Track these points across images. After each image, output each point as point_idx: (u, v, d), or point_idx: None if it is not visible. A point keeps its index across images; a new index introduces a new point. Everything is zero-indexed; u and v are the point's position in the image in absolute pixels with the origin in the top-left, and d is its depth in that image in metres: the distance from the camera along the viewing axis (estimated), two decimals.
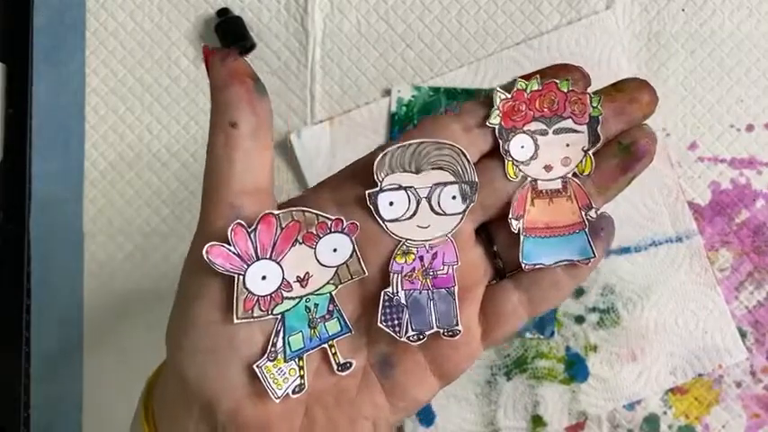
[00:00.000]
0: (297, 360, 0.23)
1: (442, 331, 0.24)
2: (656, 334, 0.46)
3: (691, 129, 0.47)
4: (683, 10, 0.48)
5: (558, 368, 0.46)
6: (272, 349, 0.22)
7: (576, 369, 0.46)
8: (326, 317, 0.23)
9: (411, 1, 0.49)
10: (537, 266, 0.25)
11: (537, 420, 0.46)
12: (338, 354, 0.24)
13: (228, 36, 0.48)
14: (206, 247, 0.21)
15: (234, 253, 0.21)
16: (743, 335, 0.46)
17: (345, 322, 0.23)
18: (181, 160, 0.49)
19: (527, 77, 0.25)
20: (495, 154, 0.25)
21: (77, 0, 0.50)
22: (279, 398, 0.22)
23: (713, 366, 0.46)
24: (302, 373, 0.23)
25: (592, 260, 0.25)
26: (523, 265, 0.25)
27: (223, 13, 0.48)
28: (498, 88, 0.24)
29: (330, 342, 0.23)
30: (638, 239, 0.47)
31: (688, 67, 0.47)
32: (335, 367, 0.24)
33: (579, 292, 0.47)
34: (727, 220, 0.47)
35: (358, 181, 0.24)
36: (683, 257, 0.46)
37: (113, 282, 0.49)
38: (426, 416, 0.47)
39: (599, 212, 0.25)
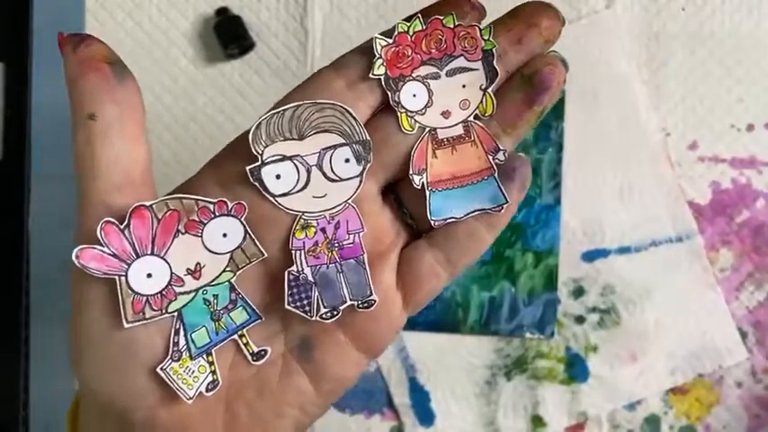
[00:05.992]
0: (205, 356, 0.22)
1: (356, 304, 0.23)
2: (657, 334, 0.46)
3: (691, 128, 0.47)
4: (682, 10, 0.48)
5: (558, 368, 0.46)
6: (175, 349, 0.21)
7: (576, 369, 0.46)
8: (230, 307, 0.22)
9: (411, 1, 0.49)
10: (448, 221, 0.23)
11: (537, 421, 0.46)
12: (251, 343, 0.22)
13: (227, 35, 0.48)
14: (75, 251, 0.19)
15: (109, 254, 0.20)
16: (743, 335, 0.46)
17: (252, 309, 0.22)
18: (179, 160, 0.49)
19: (408, 19, 0.23)
20: (388, 107, 0.23)
21: (77, 0, 0.50)
22: (191, 398, 0.21)
23: (714, 367, 0.46)
24: (213, 368, 0.22)
25: (505, 206, 0.23)
26: (432, 222, 0.23)
27: (222, 12, 0.48)
28: (378, 35, 0.22)
29: (240, 332, 0.22)
30: (638, 239, 0.46)
31: (688, 66, 0.47)
32: (250, 357, 0.22)
33: (579, 292, 0.47)
34: (727, 219, 0.47)
35: (239, 157, 0.22)
36: (684, 257, 0.46)
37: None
38: (426, 416, 0.47)
39: (508, 154, 0.23)
